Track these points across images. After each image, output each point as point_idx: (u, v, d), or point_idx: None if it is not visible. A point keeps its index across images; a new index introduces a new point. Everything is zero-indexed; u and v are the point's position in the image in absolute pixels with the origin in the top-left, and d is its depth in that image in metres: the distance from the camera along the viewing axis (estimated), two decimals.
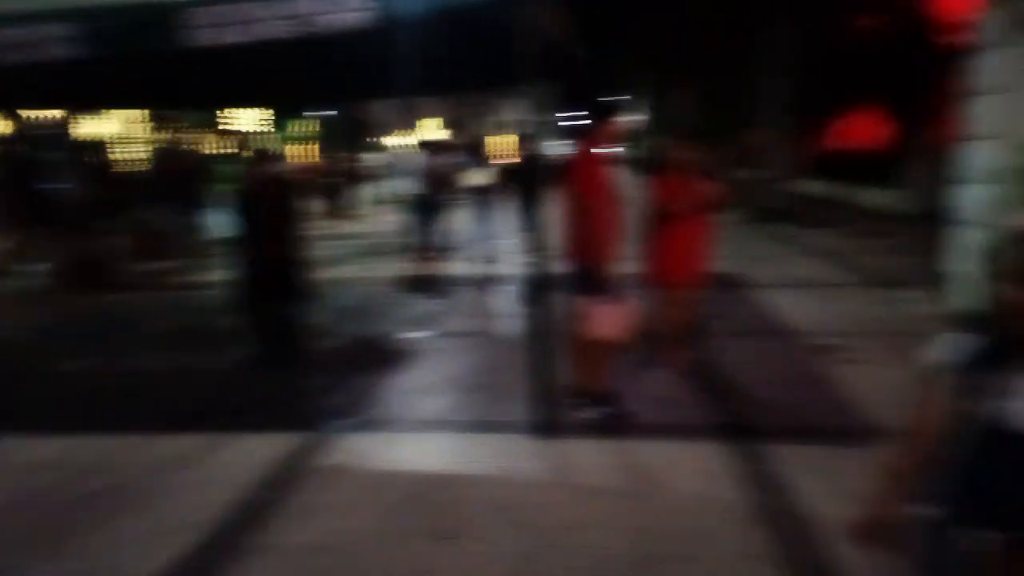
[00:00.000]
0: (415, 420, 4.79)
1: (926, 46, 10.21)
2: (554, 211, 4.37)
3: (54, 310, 8.41)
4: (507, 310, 7.47)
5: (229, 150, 16.78)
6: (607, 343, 4.47)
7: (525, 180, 8.67)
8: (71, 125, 10.91)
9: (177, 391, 5.50)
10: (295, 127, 22.21)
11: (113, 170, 13.33)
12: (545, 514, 3.49)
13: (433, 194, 8.51)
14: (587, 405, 4.57)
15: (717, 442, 4.18)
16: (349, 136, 22.74)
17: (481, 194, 10.14)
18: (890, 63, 11.82)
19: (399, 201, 9.04)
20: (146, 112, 14.39)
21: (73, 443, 4.53)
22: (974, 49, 5.01)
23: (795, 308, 7.13)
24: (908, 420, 1.78)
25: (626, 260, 4.50)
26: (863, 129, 14.19)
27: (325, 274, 9.26)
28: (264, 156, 5.83)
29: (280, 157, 9.04)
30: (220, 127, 17.67)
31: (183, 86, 5.70)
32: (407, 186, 8.71)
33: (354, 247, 12.46)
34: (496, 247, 9.85)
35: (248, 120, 18.25)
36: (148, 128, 15.50)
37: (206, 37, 3.96)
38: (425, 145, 9.30)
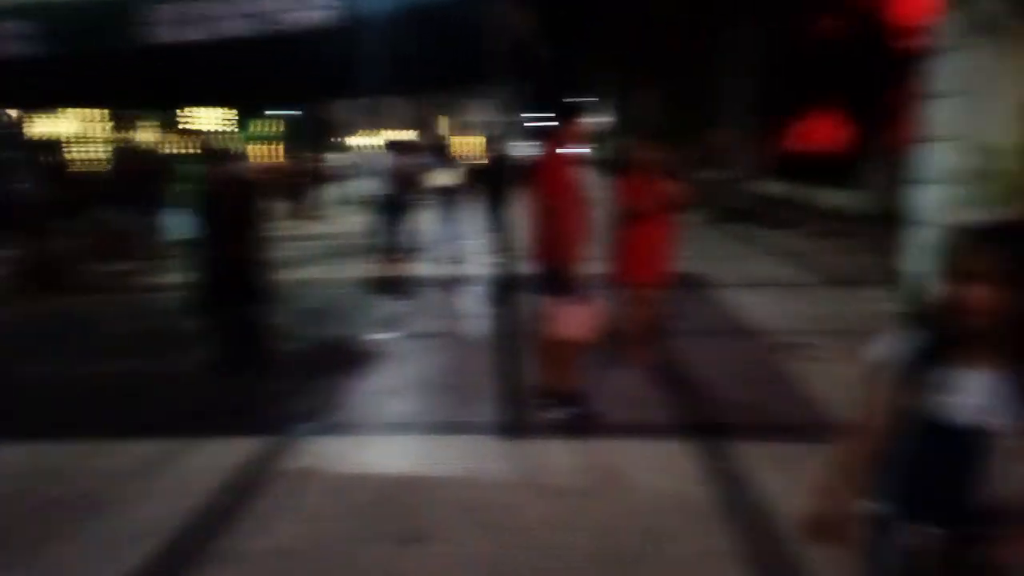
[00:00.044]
0: (382, 422, 4.77)
1: (884, 50, 10.44)
2: (520, 212, 4.38)
3: (12, 313, 8.20)
4: (474, 311, 7.47)
5: (190, 150, 16.51)
6: (573, 343, 4.49)
7: (491, 181, 8.69)
8: (27, 124, 10.64)
9: (139, 395, 5.39)
10: (258, 127, 21.94)
11: (71, 170, 13.04)
12: (513, 515, 3.50)
13: (399, 195, 8.46)
14: (554, 405, 4.58)
15: (683, 440, 4.23)
16: (313, 136, 22.53)
17: (447, 195, 10.12)
18: (849, 66, 12.06)
19: (364, 202, 8.98)
20: (105, 111, 14.09)
21: (33, 450, 4.42)
22: (931, 53, 5.13)
23: (758, 307, 7.23)
24: (853, 416, 1.81)
25: (592, 260, 4.53)
26: (823, 131, 14.46)
27: (290, 275, 9.17)
28: (226, 156, 5.74)
29: (242, 157, 8.89)
30: (181, 126, 17.38)
31: (143, 84, 5.58)
32: (373, 186, 8.66)
33: (319, 248, 12.34)
34: (462, 248, 9.84)
35: (210, 119, 17.97)
36: (107, 127, 15.18)
37: (166, 34, 3.89)
38: (391, 145, 9.26)
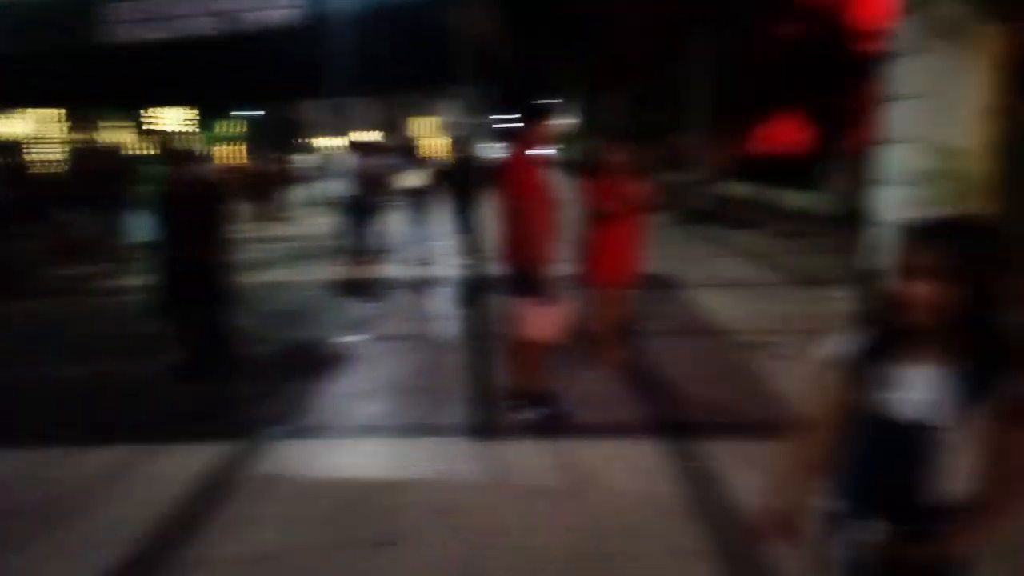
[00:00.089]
0: (351, 425, 4.73)
1: (845, 53, 10.63)
2: (489, 213, 4.38)
3: None
4: (443, 312, 7.44)
5: (152, 150, 16.24)
6: (543, 344, 4.50)
7: (459, 182, 8.67)
8: None
9: (102, 401, 5.28)
10: (222, 127, 21.64)
11: (29, 171, 12.74)
12: (484, 517, 3.49)
13: (366, 196, 8.41)
14: (524, 406, 4.59)
15: (653, 439, 4.26)
16: (278, 137, 22.29)
17: (415, 196, 10.08)
18: (811, 69, 12.26)
19: (331, 203, 8.90)
20: (65, 111, 13.80)
21: None
22: (890, 56, 5.23)
23: (724, 307, 7.32)
24: (802, 414, 1.83)
25: (560, 261, 4.54)
26: (786, 133, 14.70)
27: (256, 278, 9.07)
28: (188, 157, 5.65)
29: (205, 158, 8.76)
30: (143, 127, 17.08)
31: (103, 84, 5.48)
32: (339, 188, 8.59)
33: (285, 250, 12.21)
34: (431, 249, 9.81)
35: (172, 119, 17.69)
36: (67, 128, 14.86)
37: (127, 33, 3.82)
38: (357, 146, 9.19)
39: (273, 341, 6.66)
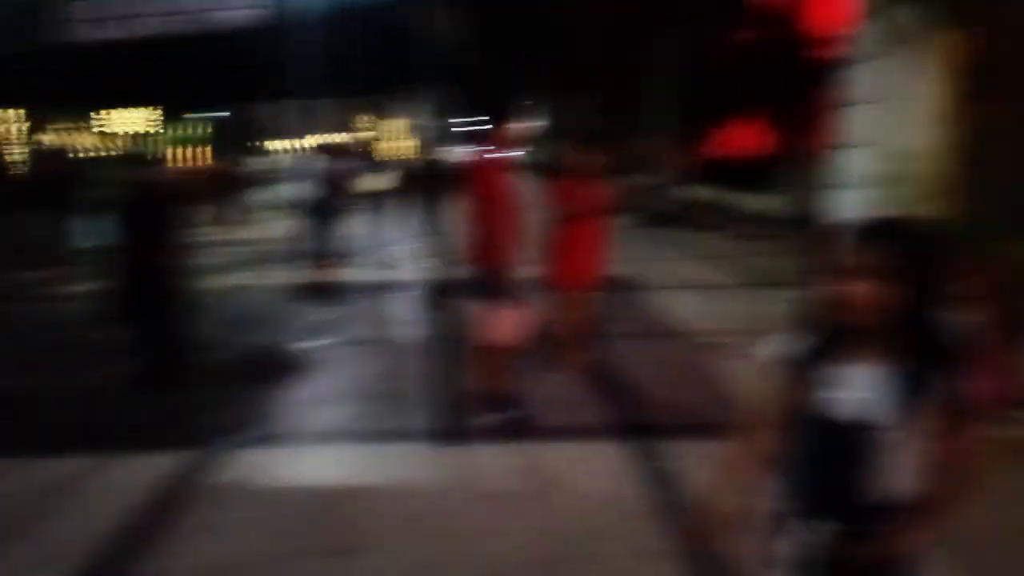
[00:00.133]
0: (313, 432, 4.66)
1: (803, 58, 10.81)
2: (454, 216, 4.35)
3: None
4: (407, 317, 7.38)
5: (110, 152, 15.90)
6: (507, 347, 4.48)
7: (424, 184, 8.62)
8: None
9: (55, 410, 5.12)
10: (183, 129, 21.28)
11: None
12: (448, 522, 3.46)
13: (330, 199, 8.32)
14: (489, 410, 4.56)
15: (617, 441, 4.27)
16: (241, 139, 21.97)
17: (380, 199, 10.01)
18: (769, 74, 12.45)
19: (294, 206, 8.79)
20: (19, 112, 13.45)
21: None
22: (847, 61, 5.33)
23: (686, 308, 7.38)
24: (746, 415, 1.84)
25: (526, 264, 4.53)
26: (746, 137, 14.88)
27: (215, 282, 8.91)
28: (147, 159, 5.53)
29: (165, 160, 8.59)
30: (100, 128, 16.71)
31: (60, 84, 5.34)
32: (303, 191, 8.49)
33: (247, 254, 12.03)
34: (395, 252, 9.74)
35: (132, 121, 17.34)
36: (21, 129, 14.48)
37: (85, 33, 3.72)
38: (322, 149, 9.10)
39: (233, 347, 6.54)
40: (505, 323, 4.36)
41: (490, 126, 4.52)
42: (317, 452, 4.35)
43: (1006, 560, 3.05)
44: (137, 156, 5.52)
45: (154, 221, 5.25)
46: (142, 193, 5.27)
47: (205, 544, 3.33)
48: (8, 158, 13.47)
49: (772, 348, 1.74)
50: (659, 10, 13.91)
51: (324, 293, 8.17)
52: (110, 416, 4.98)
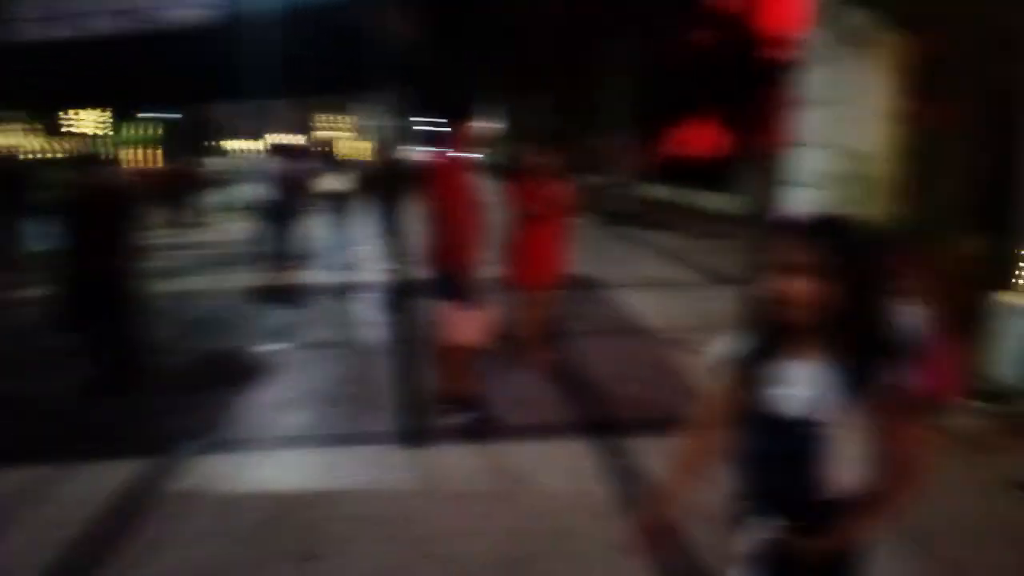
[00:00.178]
0: (275, 437, 4.60)
1: (756, 59, 11.00)
2: (413, 217, 4.34)
3: None
4: (368, 318, 7.33)
5: (59, 154, 15.45)
6: (469, 348, 4.49)
7: (383, 185, 8.57)
8: None
9: (7, 420, 4.97)
10: (134, 130, 20.79)
11: None
12: (415, 524, 3.45)
13: (287, 200, 8.21)
14: (453, 411, 4.56)
15: (582, 439, 4.30)
16: (197, 139, 21.56)
17: (338, 200, 9.91)
18: (724, 75, 12.65)
19: (250, 208, 8.66)
20: None
21: None
22: (800, 63, 5.45)
23: (646, 306, 7.47)
24: (695, 415, 1.86)
25: (486, 264, 4.54)
26: (702, 136, 15.10)
27: (171, 286, 8.73)
28: (96, 160, 5.40)
29: (114, 161, 8.36)
30: (49, 129, 16.24)
31: (6, 84, 5.19)
32: (259, 192, 8.37)
33: (203, 257, 11.80)
34: (355, 254, 9.66)
35: (81, 122, 16.88)
36: None
37: (32, 32, 3.62)
38: (277, 149, 8.97)
39: (190, 352, 6.42)
40: (467, 323, 4.37)
41: (449, 126, 4.52)
42: (279, 457, 4.30)
43: (960, 547, 3.15)
44: (89, 157, 5.37)
45: (105, 224, 5.12)
46: (94, 195, 5.14)
47: (167, 552, 3.27)
48: None
49: (719, 347, 1.76)
50: (614, 10, 14.03)
51: (284, 296, 8.07)
52: (65, 425, 4.84)
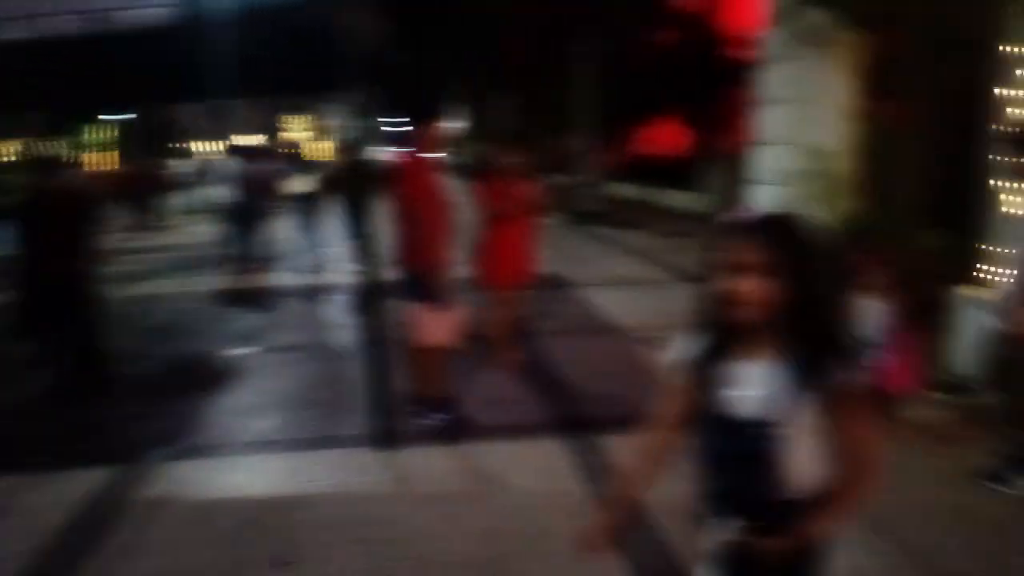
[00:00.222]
0: (245, 442, 4.54)
1: (718, 59, 11.15)
2: (381, 217, 4.32)
3: None
4: (337, 321, 7.28)
5: (14, 158, 15.08)
6: (440, 349, 4.48)
7: (350, 186, 8.52)
8: None
9: None
10: (91, 132, 20.37)
11: None
12: (388, 527, 3.44)
13: (251, 202, 8.11)
14: (424, 412, 4.55)
15: (555, 438, 4.32)
16: (154, 141, 21.17)
17: (304, 201, 9.82)
18: (688, 75, 12.78)
19: (213, 210, 8.53)
20: None
21: None
22: (761, 62, 5.54)
23: (615, 304, 7.52)
24: (649, 417, 1.86)
25: (455, 264, 4.54)
26: (667, 136, 15.24)
27: (134, 290, 8.59)
28: (52, 164, 5.28)
29: (72, 164, 8.17)
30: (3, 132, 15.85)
31: None
32: (222, 194, 8.25)
33: (165, 260, 11.62)
34: (322, 256, 9.58)
35: (37, 124, 16.49)
36: None
37: None
38: (237, 150, 8.86)
39: (156, 357, 6.32)
40: (437, 324, 4.36)
41: (415, 127, 4.51)
42: (250, 462, 4.26)
43: (925, 536, 3.23)
44: (44, 160, 5.25)
45: (63, 228, 5.01)
46: (55, 198, 5.04)
47: (135, 561, 3.21)
48: None
49: (675, 347, 1.76)
50: (578, 11, 14.10)
51: (250, 299, 7.97)
52: (28, 434, 4.74)
